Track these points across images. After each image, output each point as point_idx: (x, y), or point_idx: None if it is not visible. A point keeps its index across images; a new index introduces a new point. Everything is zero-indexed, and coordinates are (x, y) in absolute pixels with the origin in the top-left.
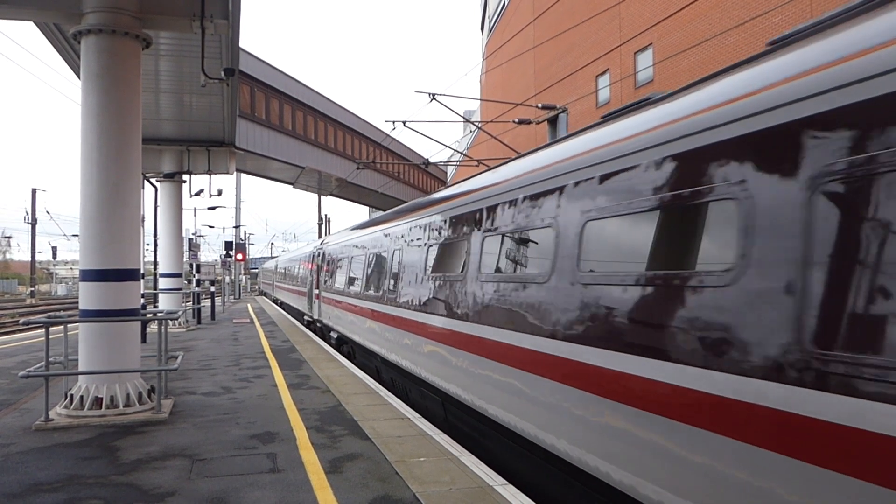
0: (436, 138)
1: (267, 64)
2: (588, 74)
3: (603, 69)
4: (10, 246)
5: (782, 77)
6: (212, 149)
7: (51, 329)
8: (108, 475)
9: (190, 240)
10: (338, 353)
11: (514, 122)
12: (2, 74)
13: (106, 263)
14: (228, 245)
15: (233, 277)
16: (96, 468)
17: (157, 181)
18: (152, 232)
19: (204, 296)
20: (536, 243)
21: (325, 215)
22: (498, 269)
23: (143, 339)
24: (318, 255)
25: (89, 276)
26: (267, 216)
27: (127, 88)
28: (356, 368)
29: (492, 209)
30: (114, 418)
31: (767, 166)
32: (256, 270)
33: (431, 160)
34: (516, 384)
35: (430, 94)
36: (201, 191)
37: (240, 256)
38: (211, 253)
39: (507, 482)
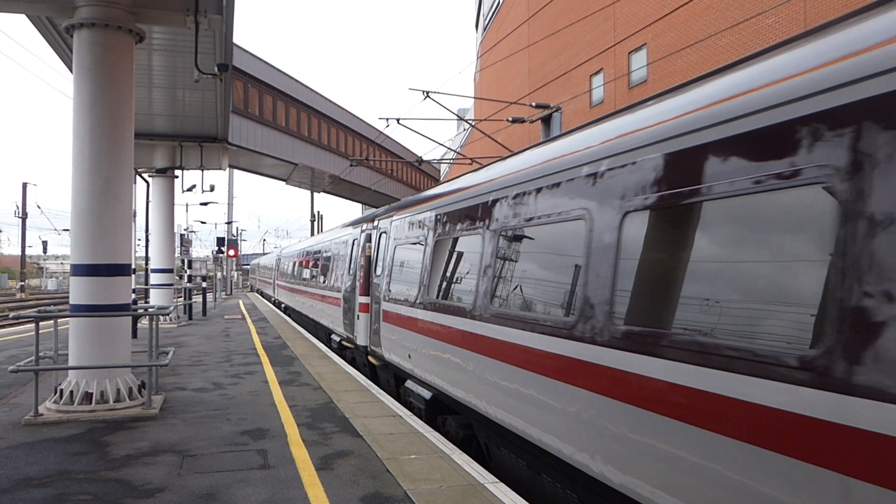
0: (429, 136)
1: (261, 60)
2: (582, 74)
3: (597, 69)
4: (0, 240)
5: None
6: (204, 144)
7: (41, 324)
8: (97, 470)
9: (182, 235)
10: (329, 351)
11: (507, 120)
12: None
13: (97, 258)
14: (220, 241)
15: (224, 273)
16: (86, 463)
17: (150, 176)
18: (144, 227)
19: (195, 292)
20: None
21: (318, 212)
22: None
23: (134, 335)
24: None
25: (80, 270)
26: (259, 213)
27: (119, 83)
28: (348, 366)
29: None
30: (104, 413)
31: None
32: (248, 266)
33: (425, 158)
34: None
35: (424, 92)
36: (193, 186)
37: (232, 252)
38: (203, 249)
39: (497, 480)
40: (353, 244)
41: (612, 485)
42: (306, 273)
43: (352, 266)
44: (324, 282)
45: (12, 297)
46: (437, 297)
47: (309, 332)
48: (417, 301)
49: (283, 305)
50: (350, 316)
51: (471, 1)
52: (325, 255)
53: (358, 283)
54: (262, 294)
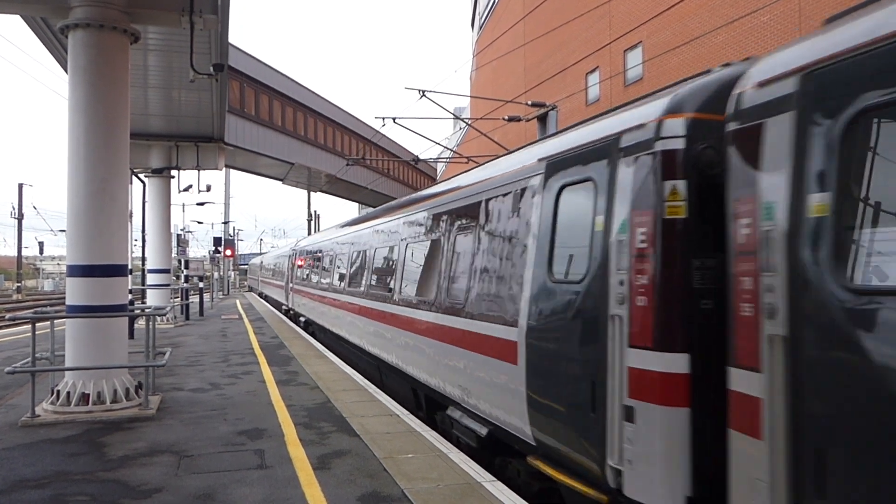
0: (426, 135)
1: (257, 60)
2: (578, 72)
3: (593, 67)
4: None
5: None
6: (201, 144)
7: (37, 325)
8: (94, 471)
9: (178, 235)
10: (328, 350)
11: (503, 119)
12: None
13: (93, 259)
14: (217, 241)
15: (221, 273)
16: (83, 464)
17: (146, 176)
18: (140, 227)
19: (192, 292)
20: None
21: (315, 212)
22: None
23: (131, 335)
24: None
25: (76, 271)
26: (256, 212)
27: (115, 83)
28: (345, 365)
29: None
30: (101, 414)
31: None
32: (246, 266)
33: (422, 157)
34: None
35: (420, 91)
36: (190, 186)
37: (228, 252)
38: (199, 249)
39: (494, 479)
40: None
41: None
42: (369, 277)
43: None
44: (438, 294)
45: (9, 299)
46: None
47: (366, 376)
48: None
49: (302, 319)
50: (579, 400)
51: None
52: (445, 236)
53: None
54: (266, 299)
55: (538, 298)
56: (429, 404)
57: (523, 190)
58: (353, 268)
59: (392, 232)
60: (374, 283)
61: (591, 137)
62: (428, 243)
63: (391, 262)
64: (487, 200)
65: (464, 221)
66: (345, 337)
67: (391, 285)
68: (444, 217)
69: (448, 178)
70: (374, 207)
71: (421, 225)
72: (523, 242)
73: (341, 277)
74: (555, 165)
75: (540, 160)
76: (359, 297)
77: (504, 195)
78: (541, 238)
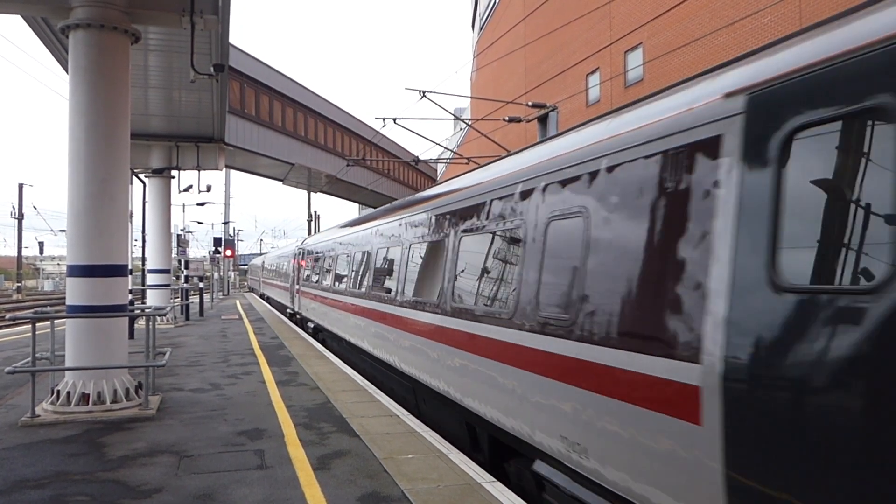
0: (426, 135)
1: (257, 60)
2: (578, 73)
3: (593, 68)
4: None
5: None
6: (201, 145)
7: (37, 325)
8: (94, 471)
9: (178, 236)
10: (327, 350)
11: (504, 119)
12: None
13: (93, 259)
14: (217, 241)
15: (221, 274)
16: (83, 464)
17: (146, 177)
18: (140, 228)
19: (192, 292)
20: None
21: (315, 212)
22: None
23: (131, 336)
24: None
25: (76, 271)
26: (256, 213)
27: (115, 83)
28: (345, 365)
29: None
30: (101, 414)
31: None
32: (246, 266)
33: (422, 157)
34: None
35: (420, 92)
36: (190, 187)
37: (228, 253)
38: (200, 249)
39: (494, 479)
40: None
41: None
42: (404, 280)
43: None
44: (520, 303)
45: (9, 299)
46: None
47: (392, 396)
48: None
49: (311, 325)
50: None
51: (467, 0)
52: (532, 224)
53: None
54: (268, 300)
55: (750, 318)
56: (494, 447)
57: (693, 146)
58: (383, 269)
59: (438, 226)
60: (412, 287)
61: (864, 39)
62: (501, 237)
63: (439, 262)
64: (612, 168)
65: (566, 202)
66: (366, 349)
67: (441, 291)
68: (529, 199)
69: (524, 148)
70: (375, 208)
71: (485, 213)
72: (703, 226)
73: (365, 280)
74: (770, 99)
75: (728, 95)
76: (390, 303)
77: (647, 157)
78: (747, 218)
